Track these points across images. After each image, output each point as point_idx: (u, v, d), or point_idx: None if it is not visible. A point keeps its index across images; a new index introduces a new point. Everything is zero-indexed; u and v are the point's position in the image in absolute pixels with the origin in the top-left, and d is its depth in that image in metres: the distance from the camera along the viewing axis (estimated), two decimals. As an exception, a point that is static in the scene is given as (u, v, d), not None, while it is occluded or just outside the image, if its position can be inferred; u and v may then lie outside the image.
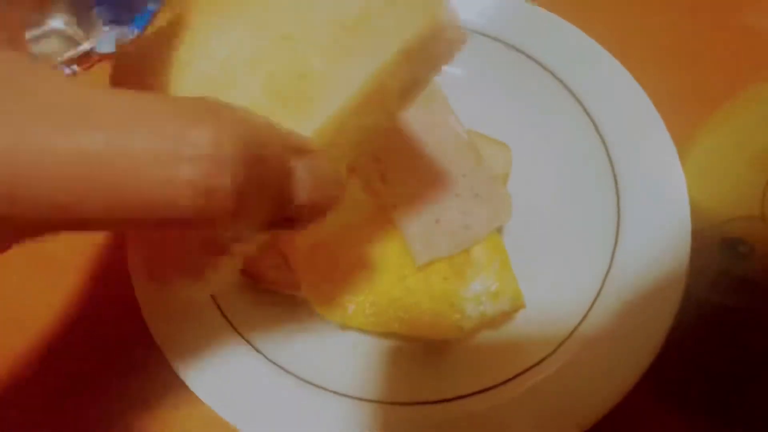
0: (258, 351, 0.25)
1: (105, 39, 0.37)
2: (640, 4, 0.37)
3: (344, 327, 0.25)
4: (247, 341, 0.25)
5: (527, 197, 0.28)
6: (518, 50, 0.31)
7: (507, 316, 0.25)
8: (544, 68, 0.30)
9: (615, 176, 0.27)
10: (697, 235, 0.24)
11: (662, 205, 0.25)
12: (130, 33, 0.39)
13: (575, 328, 0.24)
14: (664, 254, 0.24)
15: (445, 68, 0.18)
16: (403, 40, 0.16)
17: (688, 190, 0.25)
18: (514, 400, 0.23)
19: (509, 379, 0.24)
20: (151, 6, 0.41)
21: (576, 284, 0.26)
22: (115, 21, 0.38)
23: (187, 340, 0.25)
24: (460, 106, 0.29)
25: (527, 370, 0.24)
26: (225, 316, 0.25)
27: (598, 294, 0.25)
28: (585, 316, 0.25)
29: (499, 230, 0.26)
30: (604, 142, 0.28)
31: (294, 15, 0.18)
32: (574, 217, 0.28)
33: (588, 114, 0.29)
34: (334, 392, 0.24)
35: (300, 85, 0.17)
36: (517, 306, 0.24)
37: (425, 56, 0.17)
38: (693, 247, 0.23)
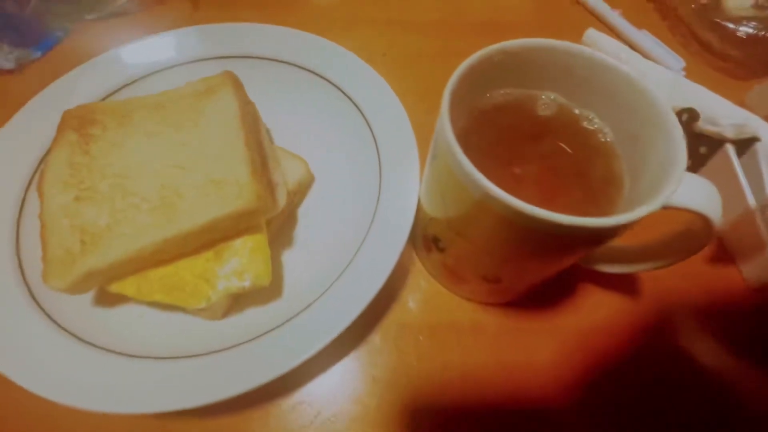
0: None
1: (6, 58, 0.43)
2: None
3: (113, 291, 0.29)
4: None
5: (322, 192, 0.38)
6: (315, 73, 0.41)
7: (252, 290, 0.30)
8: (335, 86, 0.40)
9: (379, 190, 0.35)
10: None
11: (401, 199, 0.34)
12: (33, 54, 0.46)
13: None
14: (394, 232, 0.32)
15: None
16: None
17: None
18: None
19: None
20: (59, 33, 0.48)
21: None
22: (20, 44, 0.45)
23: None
24: (270, 125, 0.37)
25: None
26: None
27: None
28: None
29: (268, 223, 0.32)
30: (378, 157, 0.36)
31: (188, 156, 0.31)
32: (351, 202, 0.36)
33: (371, 130, 0.37)
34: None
35: (175, 200, 0.29)
36: (258, 283, 0.29)
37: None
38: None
